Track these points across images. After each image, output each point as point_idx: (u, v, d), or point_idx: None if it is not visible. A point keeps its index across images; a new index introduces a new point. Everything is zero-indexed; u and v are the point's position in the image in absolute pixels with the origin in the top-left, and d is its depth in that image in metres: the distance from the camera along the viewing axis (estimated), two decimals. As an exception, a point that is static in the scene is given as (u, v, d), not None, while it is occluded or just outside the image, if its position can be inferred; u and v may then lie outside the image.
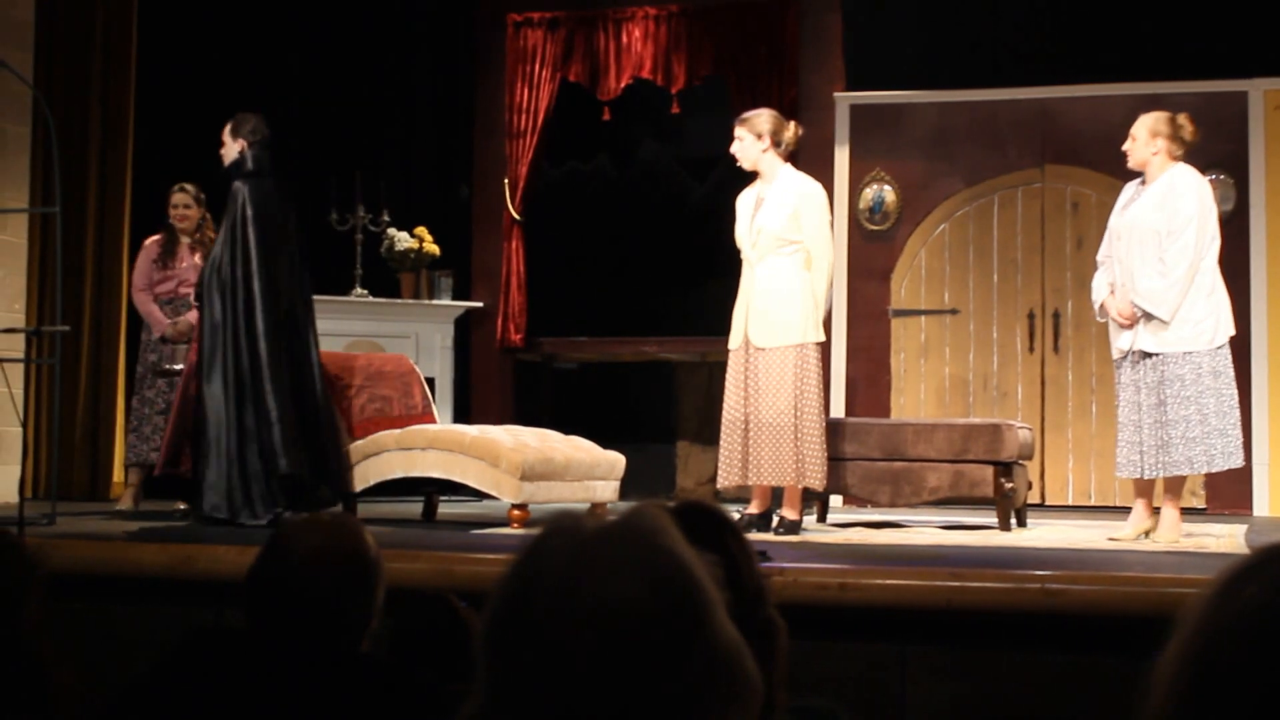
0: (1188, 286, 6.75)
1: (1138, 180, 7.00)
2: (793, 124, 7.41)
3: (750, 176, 7.41)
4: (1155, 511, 7.00)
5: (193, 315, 8.34)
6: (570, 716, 1.28)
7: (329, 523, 2.75)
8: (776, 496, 7.39)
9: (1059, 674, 4.96)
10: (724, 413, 7.30)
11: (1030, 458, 8.14)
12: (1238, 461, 6.87)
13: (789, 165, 7.40)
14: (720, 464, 7.30)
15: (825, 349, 9.77)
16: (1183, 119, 6.91)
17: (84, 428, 9.56)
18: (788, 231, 7.20)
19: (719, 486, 7.37)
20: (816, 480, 7.24)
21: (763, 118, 7.32)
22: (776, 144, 7.28)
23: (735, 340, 7.31)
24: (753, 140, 7.28)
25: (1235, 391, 6.84)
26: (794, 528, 7.21)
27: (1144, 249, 6.80)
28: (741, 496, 7.66)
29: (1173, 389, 6.73)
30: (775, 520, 7.26)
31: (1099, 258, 7.12)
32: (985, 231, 10.08)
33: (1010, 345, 9.99)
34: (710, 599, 1.34)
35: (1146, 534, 6.93)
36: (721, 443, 7.29)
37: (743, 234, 7.33)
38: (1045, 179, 9.98)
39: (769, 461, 7.14)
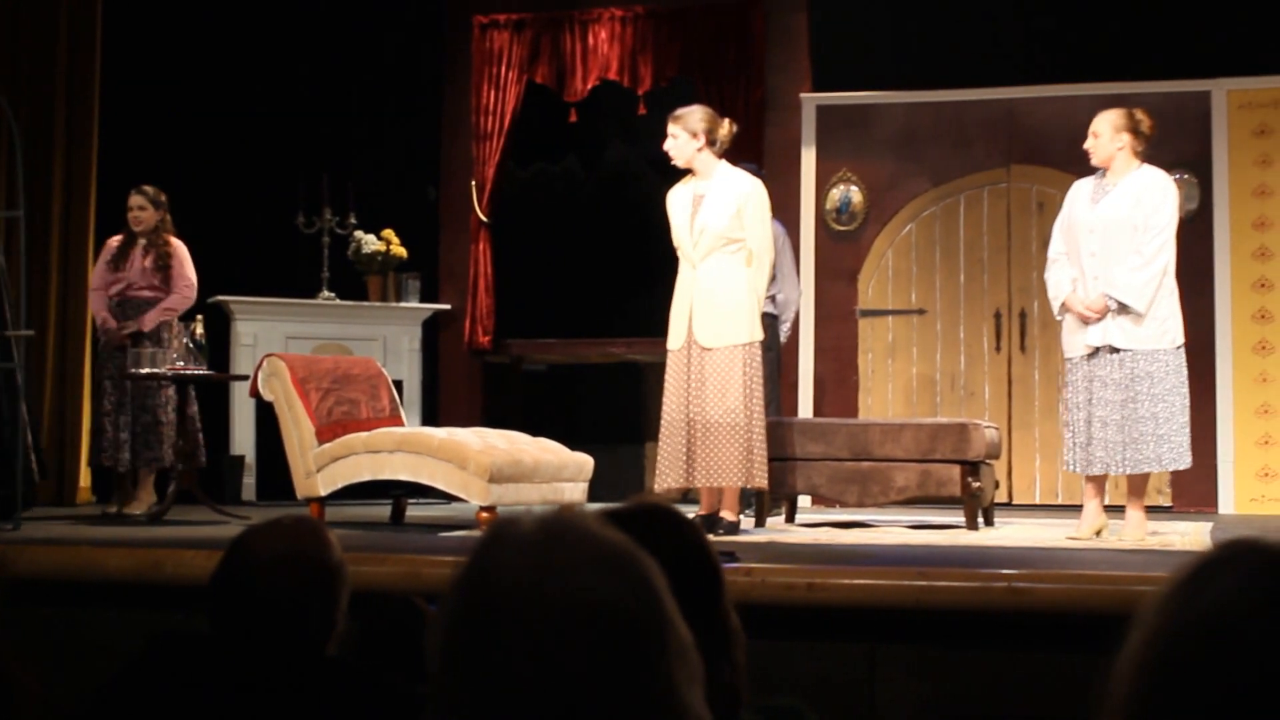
0: (1162, 282, 6.80)
1: (1094, 176, 7.03)
2: (727, 121, 7.31)
3: (680, 174, 7.36)
4: (1107, 509, 7.05)
5: (132, 324, 8.43)
6: (556, 717, 1.27)
7: (292, 527, 2.74)
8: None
9: (1027, 672, 4.98)
10: (664, 414, 7.19)
11: (997, 457, 8.16)
12: (1188, 462, 6.94)
13: (725, 162, 7.32)
14: (660, 466, 7.17)
15: (793, 349, 9.83)
16: (1140, 114, 6.96)
17: (50, 433, 9.51)
18: (731, 230, 7.13)
19: (656, 489, 7.18)
20: (763, 479, 7.21)
21: (696, 115, 7.23)
22: (711, 142, 7.20)
23: (677, 341, 7.19)
24: (687, 138, 7.19)
25: (1188, 392, 6.90)
26: (734, 528, 7.16)
27: (1118, 243, 6.82)
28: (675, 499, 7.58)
29: (1143, 386, 6.77)
30: (715, 522, 7.16)
31: (1052, 254, 7.11)
32: (952, 231, 10.11)
33: (977, 345, 10.02)
34: (664, 584, 1.35)
35: (1098, 532, 6.96)
36: (661, 445, 7.18)
37: (682, 233, 7.23)
38: (1011, 179, 10.02)
39: (716, 462, 7.06)
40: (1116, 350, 6.82)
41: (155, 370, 8.25)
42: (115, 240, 8.78)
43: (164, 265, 8.61)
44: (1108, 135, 6.91)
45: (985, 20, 10.08)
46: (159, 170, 9.51)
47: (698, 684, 1.34)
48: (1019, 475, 9.82)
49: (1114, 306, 6.81)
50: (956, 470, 7.59)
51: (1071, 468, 7.06)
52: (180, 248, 8.71)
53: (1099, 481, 7.01)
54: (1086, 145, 7.00)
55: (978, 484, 7.56)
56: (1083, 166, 7.17)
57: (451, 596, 1.34)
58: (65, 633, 5.52)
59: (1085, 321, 6.89)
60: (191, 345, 8.14)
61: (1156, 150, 7.15)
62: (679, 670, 1.32)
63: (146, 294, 8.59)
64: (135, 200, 8.65)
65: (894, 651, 5.08)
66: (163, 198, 8.72)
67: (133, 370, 8.29)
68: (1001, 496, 9.22)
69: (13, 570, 2.16)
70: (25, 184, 7.73)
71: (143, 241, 8.64)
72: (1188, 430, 6.87)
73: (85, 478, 9.61)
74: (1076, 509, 7.38)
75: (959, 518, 7.69)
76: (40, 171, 9.43)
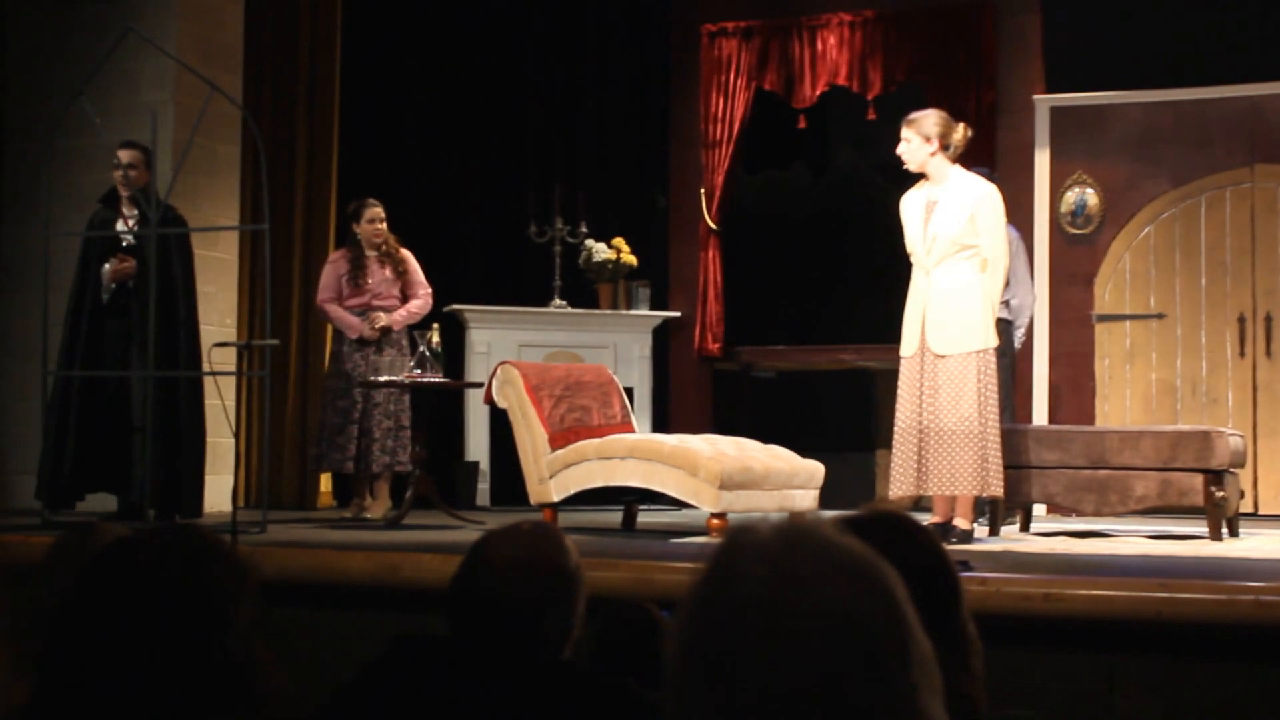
0: None
1: None
2: (961, 125, 7.21)
3: (914, 179, 7.27)
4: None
5: (384, 317, 8.58)
6: None
7: (530, 532, 2.77)
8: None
9: (1274, 688, 4.82)
10: (897, 421, 7.15)
11: (1242, 466, 7.92)
12: None
13: (958, 167, 7.21)
14: (893, 474, 7.12)
15: (1028, 355, 9.66)
16: None
17: (292, 438, 9.79)
18: (965, 236, 7.04)
19: (890, 497, 7.13)
20: (998, 487, 7.09)
21: (930, 119, 7.14)
22: (945, 146, 7.10)
23: (910, 347, 7.13)
24: (920, 142, 7.11)
25: None
26: (967, 537, 7.05)
27: None
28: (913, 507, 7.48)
29: None
30: (948, 530, 7.09)
31: None
32: (1192, 233, 9.85)
33: (1219, 350, 9.74)
34: (905, 593, 1.33)
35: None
36: (895, 452, 7.14)
37: (915, 239, 7.15)
38: (1255, 178, 9.72)
39: (950, 470, 6.99)
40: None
41: (394, 378, 8.43)
42: (342, 254, 8.94)
43: (401, 273, 8.82)
44: None
45: (1225, 14, 9.79)
46: (395, 183, 9.73)
47: (938, 694, 1.32)
48: (1265, 484, 9.52)
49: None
50: (1199, 479, 7.39)
51: None
52: (410, 255, 8.90)
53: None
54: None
55: (1222, 493, 7.35)
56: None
57: (690, 604, 1.33)
58: (308, 634, 5.67)
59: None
60: (428, 353, 8.30)
61: None
62: (921, 680, 1.30)
63: (391, 304, 8.79)
64: (377, 212, 8.79)
65: (1134, 664, 4.97)
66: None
67: (374, 377, 8.49)
68: (1247, 506, 8.95)
69: (260, 572, 2.23)
70: (269, 198, 7.97)
71: (374, 254, 8.81)
72: None
73: (326, 482, 9.86)
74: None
75: (1201, 528, 7.49)
76: (283, 186, 9.70)
